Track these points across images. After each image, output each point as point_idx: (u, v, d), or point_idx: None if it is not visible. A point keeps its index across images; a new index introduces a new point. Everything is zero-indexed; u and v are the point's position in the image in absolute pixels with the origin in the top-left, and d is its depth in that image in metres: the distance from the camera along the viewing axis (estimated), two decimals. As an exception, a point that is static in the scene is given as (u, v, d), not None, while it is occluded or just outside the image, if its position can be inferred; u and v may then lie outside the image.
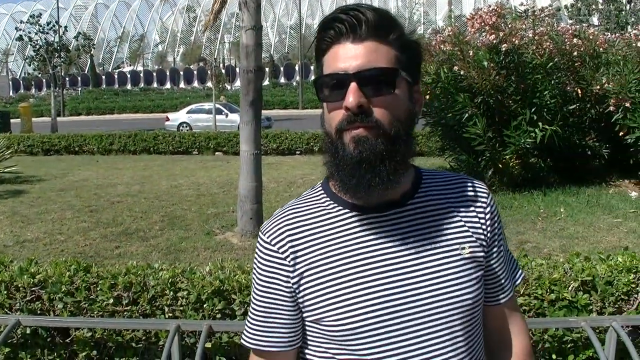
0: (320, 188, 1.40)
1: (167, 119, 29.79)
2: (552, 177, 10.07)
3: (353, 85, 1.21)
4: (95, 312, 3.46)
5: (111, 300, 3.45)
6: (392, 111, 1.24)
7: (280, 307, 1.33)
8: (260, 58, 8.14)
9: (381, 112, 1.23)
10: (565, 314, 3.76)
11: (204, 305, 3.48)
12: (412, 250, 1.29)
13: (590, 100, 10.05)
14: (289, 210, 1.38)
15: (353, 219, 1.31)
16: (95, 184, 13.07)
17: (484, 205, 1.38)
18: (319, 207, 1.36)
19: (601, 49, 10.34)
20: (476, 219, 1.36)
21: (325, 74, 1.28)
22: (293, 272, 1.31)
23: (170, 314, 3.49)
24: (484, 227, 1.36)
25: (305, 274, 1.30)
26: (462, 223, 1.35)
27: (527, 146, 9.04)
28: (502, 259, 1.42)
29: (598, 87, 9.73)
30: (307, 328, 1.34)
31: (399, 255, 1.28)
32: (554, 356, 3.83)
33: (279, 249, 1.32)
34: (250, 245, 7.60)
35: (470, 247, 1.33)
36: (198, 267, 3.84)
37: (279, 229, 1.34)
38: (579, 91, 9.90)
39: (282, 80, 74.69)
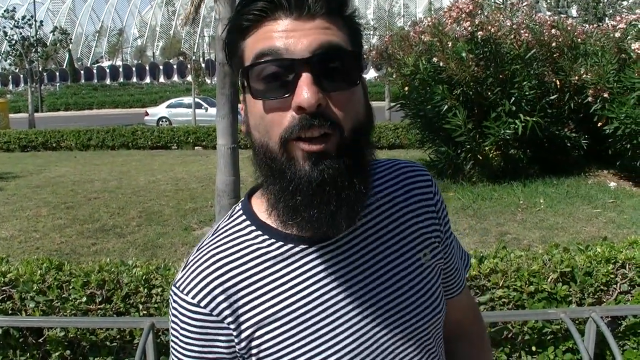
0: (243, 216, 1.06)
1: (147, 114, 29.51)
2: (532, 168, 10.10)
3: (306, 75, 0.88)
4: (68, 311, 3.39)
5: (84, 299, 3.38)
6: (354, 111, 0.95)
7: None
8: (237, 51, 8.03)
9: (341, 113, 0.92)
10: (545, 306, 3.74)
11: (179, 303, 3.42)
12: (375, 277, 1.05)
13: (569, 91, 10.08)
14: (210, 255, 1.02)
15: (299, 255, 1.01)
16: (72, 180, 12.90)
17: (431, 195, 1.14)
18: (251, 245, 1.03)
19: (579, 39, 10.36)
20: (428, 215, 1.13)
21: (257, 59, 0.92)
22: (238, 335, 1.00)
23: (145, 312, 3.43)
24: (436, 221, 1.14)
25: (256, 334, 1.00)
26: (416, 225, 1.11)
27: (507, 137, 9.05)
28: (454, 248, 1.21)
29: (576, 78, 9.76)
30: None
31: (361, 287, 1.03)
32: (533, 348, 3.82)
33: (212, 310, 0.99)
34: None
35: (430, 250, 1.12)
36: (173, 264, 3.78)
37: (206, 284, 1.00)
38: (558, 82, 9.93)
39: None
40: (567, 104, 10.16)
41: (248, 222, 1.05)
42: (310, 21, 0.91)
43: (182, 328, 1.02)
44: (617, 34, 9.78)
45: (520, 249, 4.39)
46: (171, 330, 1.04)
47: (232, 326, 1.00)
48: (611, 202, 8.32)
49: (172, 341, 1.04)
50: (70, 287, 3.42)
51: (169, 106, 29.75)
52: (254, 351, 1.01)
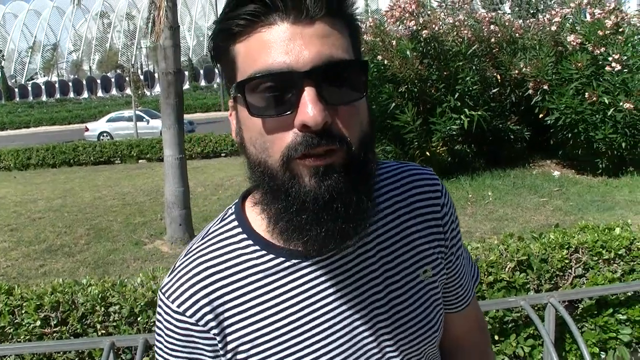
0: (235, 222, 0.99)
1: (87, 129, 28.89)
2: (478, 162, 10.27)
3: (310, 90, 0.80)
4: (22, 337, 3.26)
5: (38, 323, 3.26)
6: (360, 123, 0.88)
7: None
8: (179, 59, 7.96)
9: (348, 128, 0.85)
10: (504, 295, 3.79)
11: (138, 319, 3.33)
12: (370, 294, 0.99)
13: (510, 84, 10.31)
14: (198, 262, 0.96)
15: (290, 270, 0.95)
16: (14, 201, 12.50)
17: (438, 208, 1.06)
18: (241, 254, 0.96)
19: (517, 34, 10.62)
20: (433, 230, 1.06)
21: (255, 73, 0.82)
22: (223, 347, 0.95)
23: (104, 331, 3.33)
24: (442, 235, 1.07)
25: (242, 348, 0.94)
26: (419, 240, 1.04)
27: (453, 133, 9.18)
28: (462, 261, 1.15)
29: (516, 71, 9.98)
30: None
31: (355, 304, 0.97)
32: (496, 337, 3.86)
33: (197, 320, 0.93)
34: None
35: (432, 268, 1.05)
36: (129, 279, 3.68)
37: (193, 293, 0.94)
38: (499, 76, 10.14)
39: (203, 83, 73.63)
40: (509, 98, 10.39)
41: (240, 230, 0.98)
42: (310, 26, 0.82)
43: (167, 335, 0.97)
44: (553, 27, 10.05)
45: (475, 240, 4.45)
46: (156, 336, 1.00)
47: (217, 338, 0.95)
48: (556, 191, 8.53)
49: (157, 346, 1.00)
50: (23, 312, 3.29)
51: (109, 120, 29.20)
52: (238, 356, 0.96)
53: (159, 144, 17.87)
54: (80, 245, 8.21)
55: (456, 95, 9.29)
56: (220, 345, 0.95)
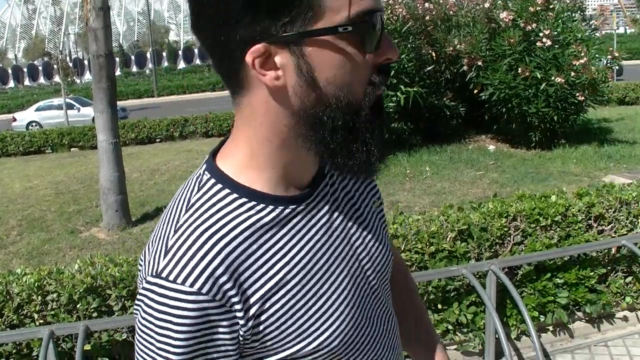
0: (218, 185, 0.94)
1: (14, 119, 27.83)
2: (415, 138, 10.39)
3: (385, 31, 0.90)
4: (-46, 331, 3.12)
5: (-29, 316, 3.12)
6: None
7: None
8: (111, 41, 7.73)
9: None
10: (446, 264, 3.84)
11: (78, 306, 3.24)
12: (349, 228, 1.05)
13: (445, 61, 10.43)
14: (199, 233, 0.89)
15: (289, 217, 0.95)
16: (-60, 195, 11.97)
17: None
18: (240, 214, 0.92)
19: (451, 12, 10.74)
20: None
21: (363, 12, 0.86)
22: (244, 317, 0.89)
23: (42, 321, 3.22)
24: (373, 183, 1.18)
25: (264, 308, 0.91)
26: (364, 182, 1.13)
27: (390, 110, 9.24)
28: None
29: (451, 48, 10.11)
30: None
31: (342, 240, 1.02)
32: (439, 306, 3.92)
33: (214, 295, 0.85)
34: (119, 238, 7.25)
35: (378, 198, 1.14)
36: (66, 267, 3.56)
37: (206, 265, 0.86)
38: (434, 54, 10.24)
39: (134, 69, 71.99)
40: (444, 74, 10.52)
41: (227, 190, 0.93)
42: None
43: (176, 324, 0.84)
44: (486, 4, 10.21)
45: (415, 213, 4.49)
46: (154, 332, 0.86)
47: (237, 307, 0.88)
48: (492, 164, 8.72)
49: (161, 349, 0.86)
50: (-45, 305, 3.16)
51: (38, 109, 28.22)
52: (260, 328, 0.91)
53: (91, 131, 17.38)
54: (12, 237, 7.92)
55: (392, 73, 9.33)
56: (240, 315, 0.88)
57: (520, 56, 9.61)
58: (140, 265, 0.95)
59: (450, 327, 3.95)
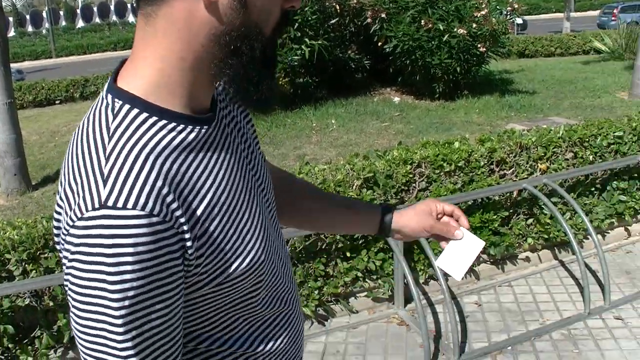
0: (136, 109, 0.86)
1: None
2: (321, 92, 10.31)
3: None
4: None
5: None
6: None
7: (178, 304, 0.85)
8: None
9: None
10: (354, 212, 3.79)
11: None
12: (246, 151, 1.06)
13: (349, 14, 10.34)
14: (134, 157, 0.82)
15: (206, 136, 0.92)
16: None
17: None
18: (164, 136, 0.86)
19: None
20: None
21: None
22: (190, 237, 0.84)
23: None
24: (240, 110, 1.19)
25: (204, 228, 0.87)
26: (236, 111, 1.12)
27: (295, 63, 9.10)
28: None
29: (355, 1, 10.02)
30: (202, 304, 0.93)
31: (244, 162, 1.03)
32: (348, 254, 3.88)
33: (165, 216, 0.80)
34: (19, 203, 6.86)
35: (251, 124, 1.16)
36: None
37: (151, 186, 0.80)
38: (337, 6, 10.11)
39: (30, 29, 68.16)
40: (348, 27, 10.44)
41: (146, 114, 0.86)
42: None
43: (132, 254, 0.76)
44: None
45: (321, 163, 4.42)
46: (106, 268, 0.76)
47: (184, 227, 0.83)
48: (397, 115, 8.77)
49: (110, 280, 0.76)
50: None
51: None
52: (203, 250, 0.87)
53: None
54: None
55: (296, 26, 9.17)
56: (187, 236, 0.84)
57: (423, 8, 9.65)
58: (59, 214, 0.86)
59: (359, 274, 3.93)
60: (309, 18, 9.33)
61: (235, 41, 0.87)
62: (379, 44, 9.99)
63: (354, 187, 3.87)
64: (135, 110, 0.85)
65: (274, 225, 1.11)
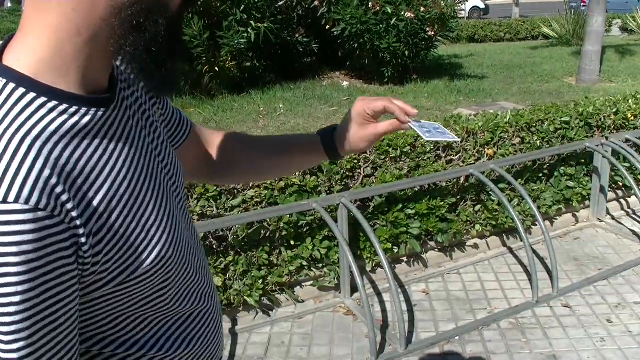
0: (20, 89, 0.75)
1: None
2: (269, 76, 10.10)
3: None
4: None
5: None
6: None
7: (71, 308, 0.76)
8: None
9: None
10: (297, 199, 3.65)
11: None
12: (152, 136, 0.97)
13: (296, -4, 10.14)
14: (16, 143, 0.71)
15: (103, 119, 0.83)
16: None
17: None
18: (55, 117, 0.76)
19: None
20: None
21: None
22: (84, 233, 0.76)
23: None
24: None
25: (102, 222, 0.79)
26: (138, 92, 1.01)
27: (242, 47, 8.85)
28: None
29: (301, -18, 9.82)
30: (104, 304, 0.84)
31: (149, 148, 0.94)
32: (292, 242, 3.74)
33: (53, 210, 0.71)
34: None
35: (153, 105, 1.05)
36: None
37: (36, 177, 0.71)
38: (284, -12, 9.90)
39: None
40: (296, 10, 10.22)
41: (33, 94, 0.75)
42: None
43: (14, 254, 0.68)
44: None
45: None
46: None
47: (77, 222, 0.74)
48: (345, 100, 8.64)
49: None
50: None
51: None
52: (100, 247, 0.78)
53: None
54: None
55: (242, 8, 8.92)
56: (80, 232, 0.75)
57: (371, -9, 9.51)
58: None
59: (304, 263, 3.79)
60: (256, 1, 9.10)
61: (138, 15, 0.78)
62: (327, 27, 9.83)
63: (297, 173, 3.72)
64: (21, 90, 0.75)
65: (184, 217, 1.03)
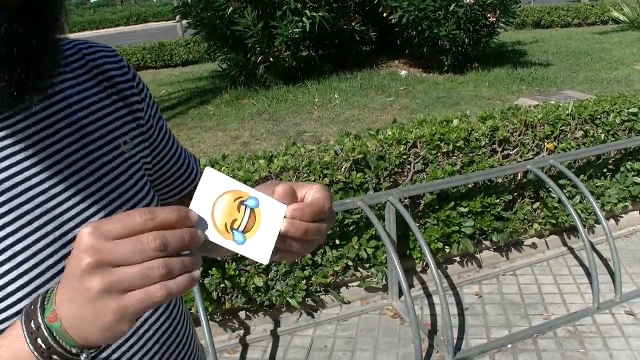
0: None
1: None
2: (325, 65, 9.96)
3: None
4: None
5: None
6: None
7: None
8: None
9: None
10: (342, 197, 3.51)
11: None
12: (72, 160, 0.85)
13: (352, -17, 9.94)
14: None
15: None
16: None
17: (126, 70, 0.99)
18: None
19: None
20: (126, 91, 0.96)
21: None
22: None
23: None
24: (137, 99, 0.98)
25: None
26: (112, 112, 0.93)
27: (296, 36, 8.72)
28: (170, 137, 1.09)
29: (357, -31, 9.62)
30: None
31: (59, 170, 0.83)
32: (337, 241, 3.61)
33: None
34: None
35: (132, 136, 0.95)
36: None
37: None
38: (340, -25, 9.71)
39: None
40: (352, -2, 10.04)
41: None
42: None
43: None
44: None
45: (310, 143, 4.13)
46: None
47: None
48: (403, 89, 8.42)
49: None
50: None
51: None
52: None
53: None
54: None
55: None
56: None
57: (429, -24, 9.22)
58: None
59: (350, 262, 3.66)
60: (311, -12, 8.96)
61: None
62: (384, 15, 9.59)
63: (343, 169, 3.58)
64: None
65: None
